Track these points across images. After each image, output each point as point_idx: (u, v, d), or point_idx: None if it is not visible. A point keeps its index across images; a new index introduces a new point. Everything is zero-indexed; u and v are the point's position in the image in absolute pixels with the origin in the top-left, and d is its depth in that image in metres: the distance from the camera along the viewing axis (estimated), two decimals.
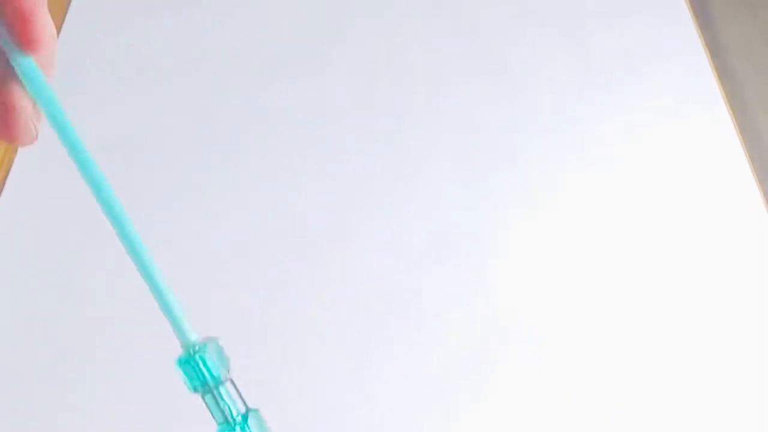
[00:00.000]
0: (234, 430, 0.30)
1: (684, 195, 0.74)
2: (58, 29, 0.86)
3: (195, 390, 0.30)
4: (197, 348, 0.30)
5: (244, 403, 0.31)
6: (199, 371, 0.30)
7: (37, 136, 0.30)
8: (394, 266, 0.69)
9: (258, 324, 0.65)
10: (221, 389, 0.30)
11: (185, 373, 0.30)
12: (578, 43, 0.86)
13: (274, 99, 0.81)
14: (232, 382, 0.31)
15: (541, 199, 0.73)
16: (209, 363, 0.30)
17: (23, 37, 0.29)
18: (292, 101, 0.81)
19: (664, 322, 0.65)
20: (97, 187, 0.30)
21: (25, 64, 0.30)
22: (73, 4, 0.89)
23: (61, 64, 0.92)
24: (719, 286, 0.67)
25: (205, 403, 0.31)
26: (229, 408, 0.31)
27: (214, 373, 0.30)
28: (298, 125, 0.79)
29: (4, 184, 0.74)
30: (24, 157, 0.75)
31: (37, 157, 0.76)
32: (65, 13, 0.88)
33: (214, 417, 0.30)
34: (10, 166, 0.75)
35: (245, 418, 0.31)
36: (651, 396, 0.61)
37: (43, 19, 0.29)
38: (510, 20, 0.88)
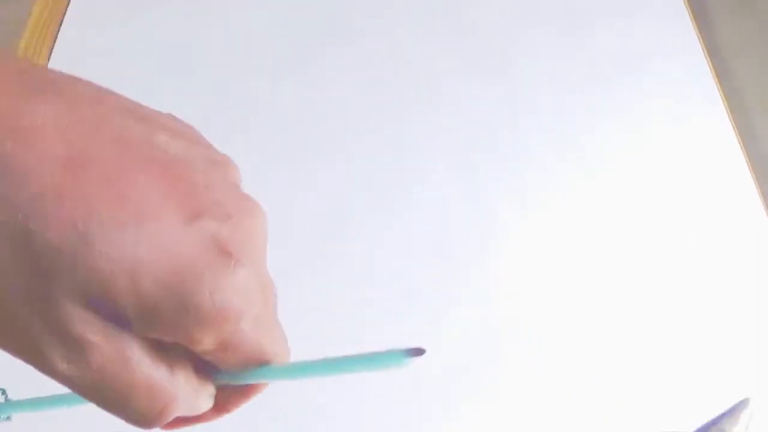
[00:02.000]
0: None
1: (682, 194, 0.74)
2: (58, 29, 0.86)
3: None
4: None
5: None
6: None
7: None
8: (393, 266, 0.69)
9: None
10: None
11: None
12: (577, 42, 0.86)
13: (272, 98, 0.81)
14: None
15: (539, 198, 0.73)
16: None
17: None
18: (291, 100, 0.81)
19: (661, 321, 0.65)
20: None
21: None
22: (72, 3, 0.88)
23: (60, 64, 0.92)
24: (718, 287, 0.68)
25: None
26: None
27: None
28: (296, 124, 0.79)
29: None
30: None
31: None
32: (64, 13, 0.88)
33: None
34: None
35: None
36: (651, 396, 0.61)
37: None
38: (509, 20, 0.88)
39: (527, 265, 0.69)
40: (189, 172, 0.29)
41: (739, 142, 0.77)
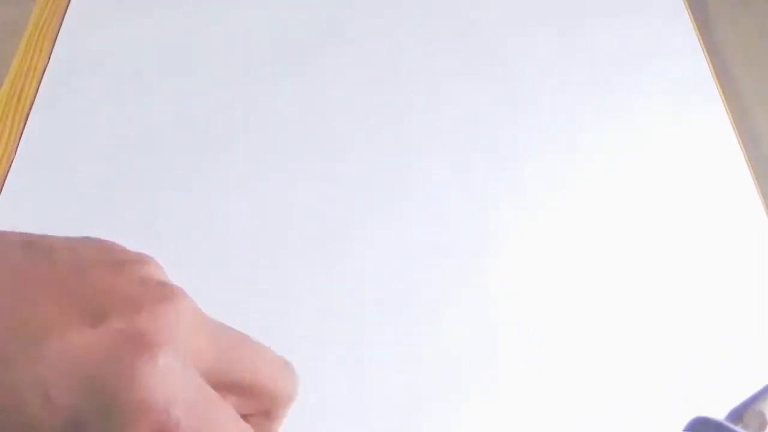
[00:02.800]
0: None
1: (682, 194, 0.74)
2: (58, 29, 0.86)
3: None
4: None
5: None
6: None
7: None
8: (392, 265, 0.69)
9: (256, 324, 0.65)
10: None
11: None
12: (577, 42, 0.86)
13: (272, 98, 0.81)
14: None
15: (539, 199, 0.73)
16: None
17: None
18: (291, 101, 0.81)
19: (661, 320, 0.65)
20: None
21: None
22: (72, 4, 0.89)
23: (60, 64, 0.92)
24: (717, 287, 0.68)
25: None
26: None
27: None
28: (296, 125, 0.79)
29: (3, 183, 0.74)
30: (24, 156, 0.75)
31: (37, 156, 0.76)
32: (64, 13, 0.88)
33: None
34: (10, 165, 0.75)
35: None
36: (651, 397, 0.61)
37: None
38: (508, 20, 0.88)
39: (527, 265, 0.69)
40: (92, 279, 0.28)
41: (738, 142, 0.77)
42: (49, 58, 0.83)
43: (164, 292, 0.29)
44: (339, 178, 0.75)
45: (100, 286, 0.28)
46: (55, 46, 0.85)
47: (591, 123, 0.79)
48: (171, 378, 0.26)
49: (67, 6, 0.88)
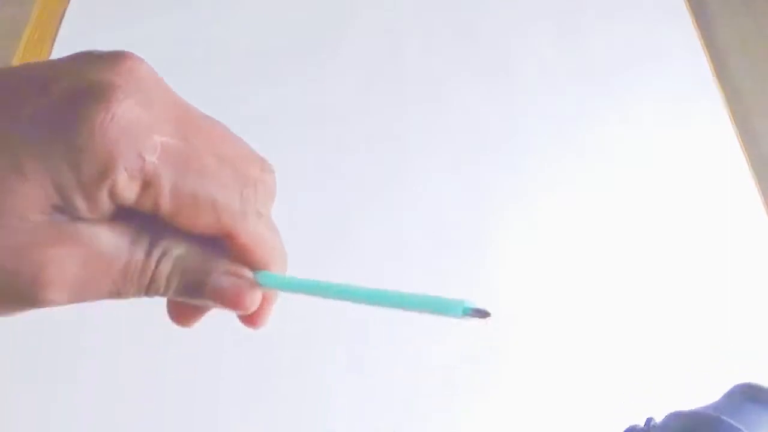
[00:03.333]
0: None
1: (682, 194, 0.74)
2: (57, 29, 0.86)
3: None
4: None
5: None
6: None
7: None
8: (393, 265, 0.69)
9: None
10: None
11: None
12: (577, 42, 0.86)
13: (274, 98, 0.81)
14: None
15: (539, 199, 0.73)
16: None
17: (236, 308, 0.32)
18: (293, 101, 0.81)
19: (662, 319, 0.65)
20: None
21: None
22: (72, 3, 0.89)
23: None
24: (717, 285, 0.68)
25: None
26: None
27: None
28: (297, 125, 0.79)
29: None
30: None
31: None
32: (64, 13, 0.88)
33: None
34: None
35: None
36: (651, 396, 0.61)
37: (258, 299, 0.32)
38: (509, 20, 0.88)
39: (527, 264, 0.69)
40: (38, 64, 0.28)
41: (739, 142, 0.77)
42: (49, 58, 0.83)
43: (122, 52, 0.28)
44: (339, 177, 0.75)
45: (48, 64, 0.27)
46: (55, 46, 0.85)
47: (591, 122, 0.79)
48: (134, 123, 0.26)
49: (67, 6, 0.88)
